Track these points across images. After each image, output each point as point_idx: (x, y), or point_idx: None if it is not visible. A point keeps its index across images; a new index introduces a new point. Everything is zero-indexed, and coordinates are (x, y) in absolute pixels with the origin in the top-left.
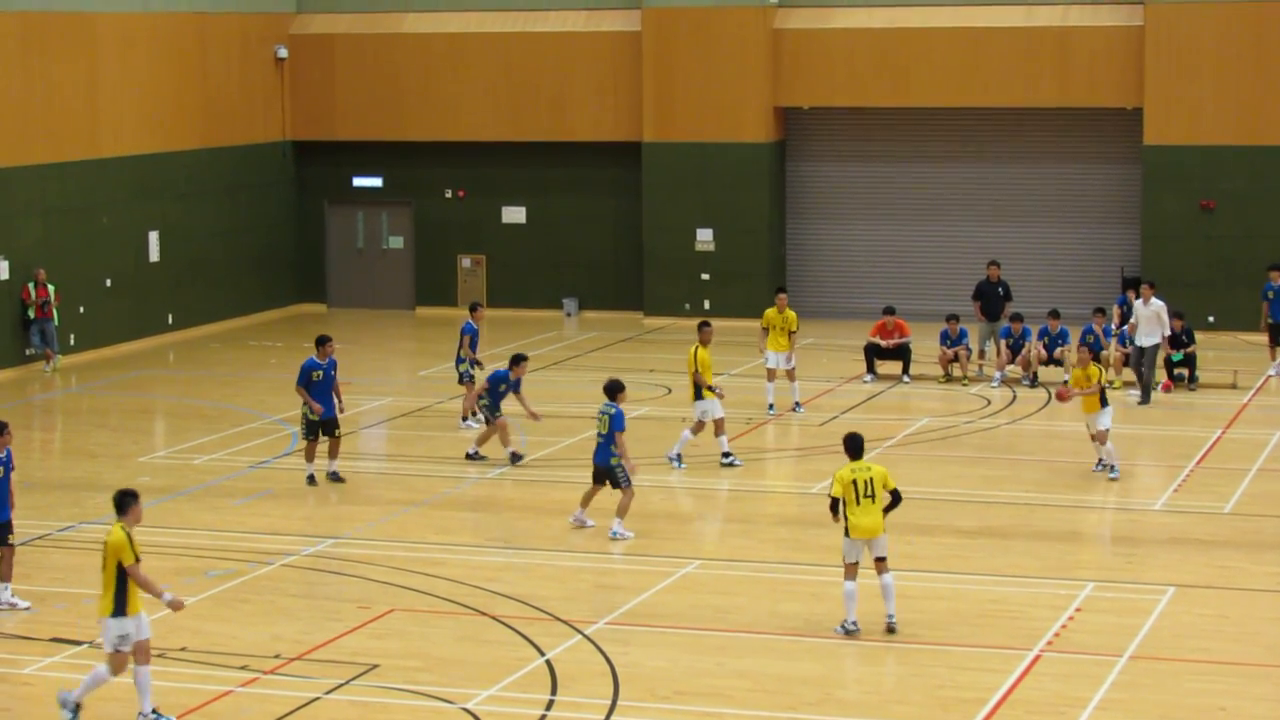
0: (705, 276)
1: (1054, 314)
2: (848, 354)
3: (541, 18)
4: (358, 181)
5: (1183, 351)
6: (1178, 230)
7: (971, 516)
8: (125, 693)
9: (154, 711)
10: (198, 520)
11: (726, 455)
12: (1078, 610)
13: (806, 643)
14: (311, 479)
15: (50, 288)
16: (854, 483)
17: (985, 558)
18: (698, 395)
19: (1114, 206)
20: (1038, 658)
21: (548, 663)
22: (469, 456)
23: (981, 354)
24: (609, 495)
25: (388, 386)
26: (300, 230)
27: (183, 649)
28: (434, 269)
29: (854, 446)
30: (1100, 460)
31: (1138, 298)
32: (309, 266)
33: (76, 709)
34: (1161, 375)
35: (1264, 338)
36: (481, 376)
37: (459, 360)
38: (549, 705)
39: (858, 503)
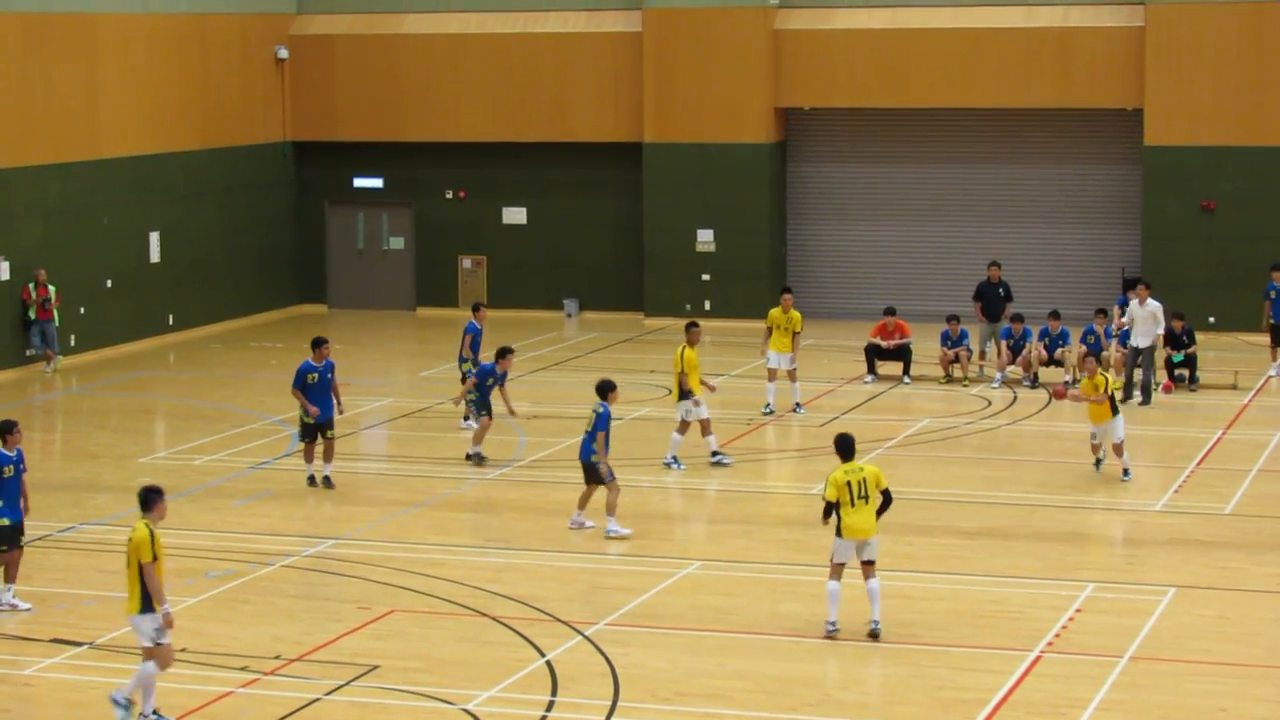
0: (706, 277)
1: (1055, 315)
2: (848, 355)
3: (542, 18)
4: (358, 182)
5: (1183, 352)
6: (1178, 231)
7: (972, 517)
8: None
9: (154, 713)
10: (198, 521)
11: (715, 455)
12: (1078, 611)
13: (807, 644)
14: (311, 480)
15: (51, 288)
16: (848, 484)
17: (986, 558)
18: (683, 395)
19: (1114, 207)
20: (1038, 658)
21: (548, 664)
22: (469, 457)
23: (982, 355)
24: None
25: (388, 387)
26: (301, 231)
27: (183, 650)
28: (434, 270)
29: (845, 447)
30: (1099, 460)
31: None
32: (309, 267)
33: (129, 704)
34: (1162, 376)
35: (1265, 338)
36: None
37: (461, 360)
38: (549, 706)
39: (852, 504)
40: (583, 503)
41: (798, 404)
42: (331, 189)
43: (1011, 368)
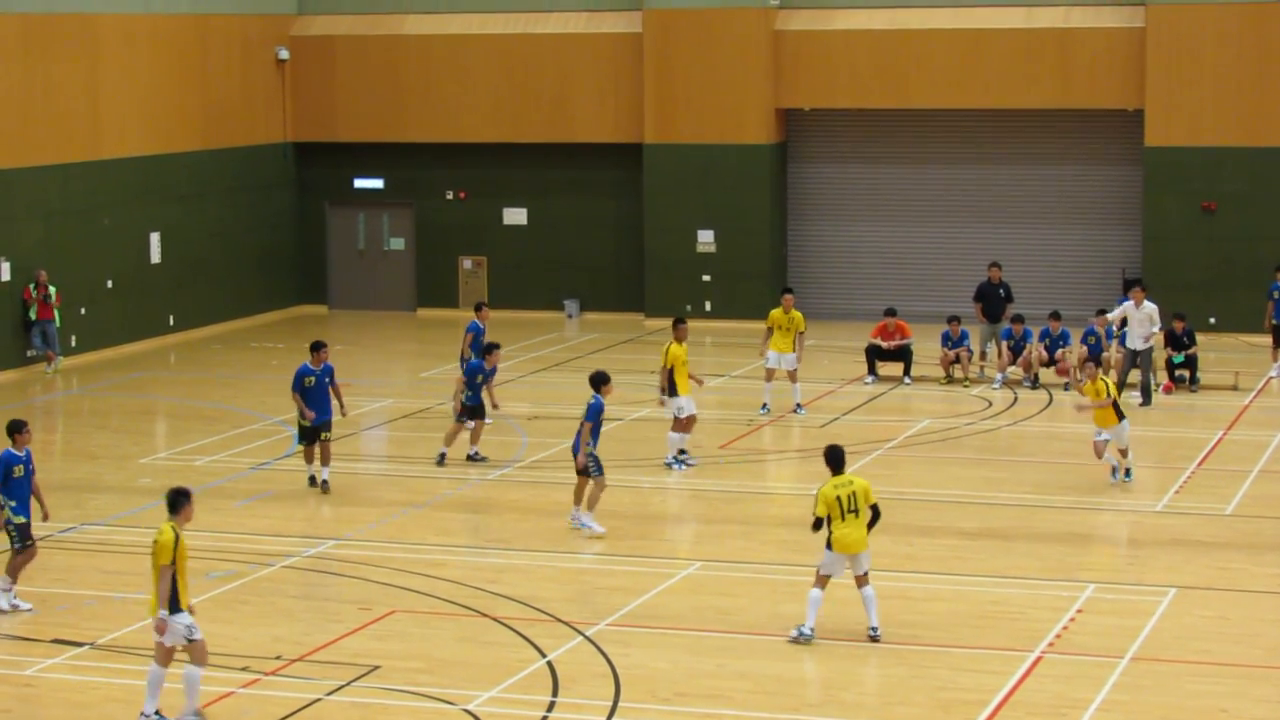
0: (706, 278)
1: (1055, 315)
2: (849, 355)
3: (542, 19)
4: (359, 183)
5: (1184, 353)
6: (1179, 232)
7: (973, 518)
8: (128, 694)
9: (157, 713)
10: (199, 521)
11: (682, 453)
12: (1079, 612)
13: (809, 644)
14: (312, 480)
15: (51, 289)
16: (838, 499)
17: (986, 559)
18: (672, 392)
19: (1115, 208)
20: (1039, 659)
21: (549, 664)
22: (470, 458)
23: (983, 355)
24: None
25: (389, 388)
26: (301, 232)
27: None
28: (435, 270)
29: (835, 460)
30: (1115, 469)
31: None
32: (310, 268)
33: (197, 715)
34: (1163, 377)
35: (1266, 339)
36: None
37: (463, 360)
38: (550, 707)
39: (842, 518)
40: (578, 498)
41: (798, 405)
42: (332, 190)
43: (1012, 368)
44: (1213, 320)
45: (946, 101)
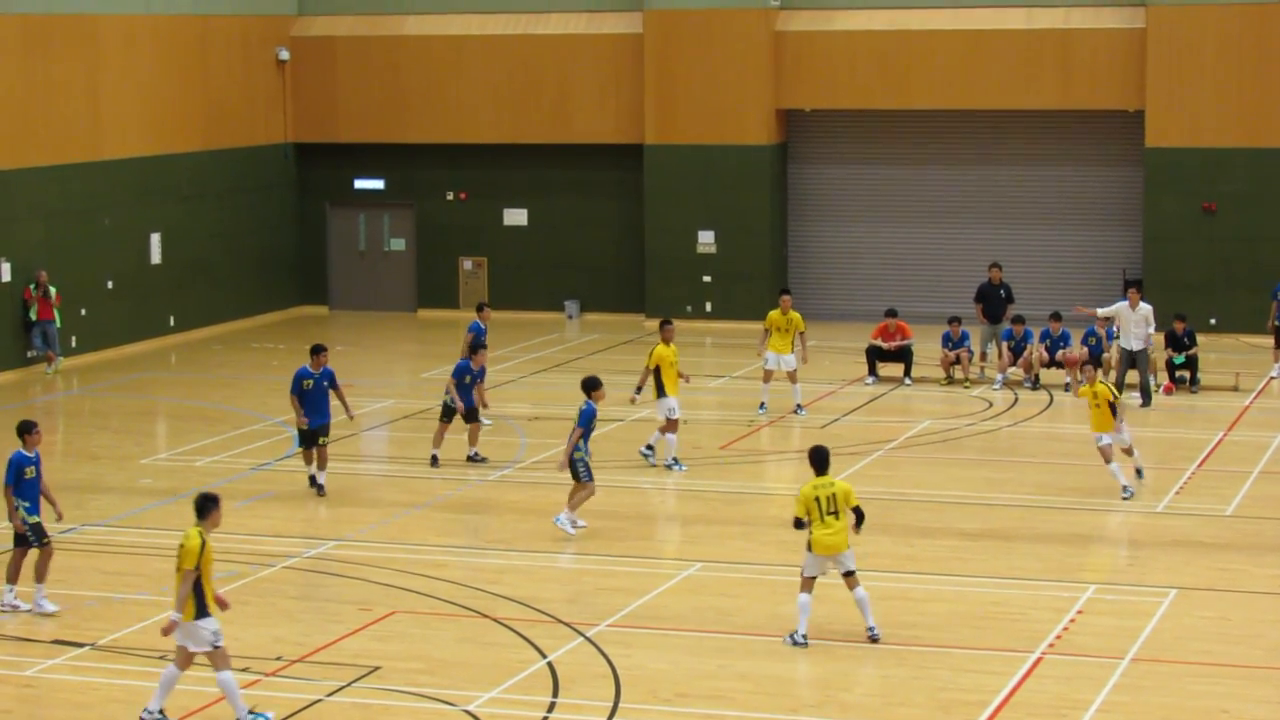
0: (707, 279)
1: (1056, 316)
2: (849, 356)
3: (543, 20)
4: (359, 183)
5: (1184, 354)
6: (1179, 232)
7: (973, 519)
8: (128, 694)
9: (160, 713)
10: None
11: (649, 449)
12: (1079, 612)
13: (808, 645)
14: (313, 480)
15: (52, 289)
16: (816, 500)
17: (987, 560)
18: (660, 393)
19: (1116, 209)
20: (1040, 660)
21: (549, 665)
22: (470, 459)
23: (983, 356)
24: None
25: (389, 389)
26: (302, 232)
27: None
28: (436, 271)
29: (819, 461)
30: (1126, 488)
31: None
32: (311, 269)
33: (252, 714)
34: (1163, 378)
35: (1267, 340)
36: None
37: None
38: (551, 707)
39: (821, 520)
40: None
41: (799, 406)
42: (333, 190)
43: (1013, 369)
44: (1213, 321)
45: (947, 102)
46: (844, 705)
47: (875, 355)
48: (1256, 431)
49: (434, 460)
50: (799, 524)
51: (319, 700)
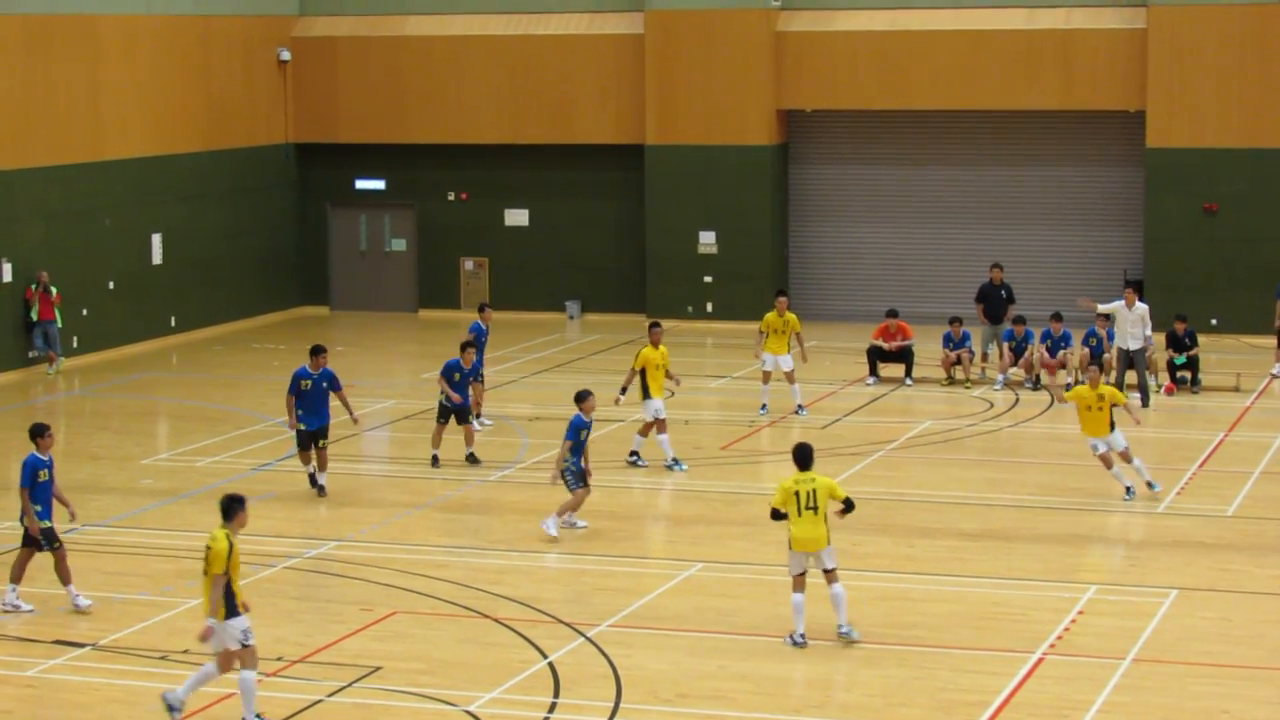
0: (708, 279)
1: (1057, 317)
2: (850, 356)
3: (544, 20)
4: (360, 184)
5: (1185, 354)
6: (1180, 233)
7: (974, 519)
8: (129, 695)
9: (258, 716)
10: (200, 523)
11: (633, 454)
12: (1080, 613)
13: (809, 645)
14: (313, 479)
15: (53, 289)
16: (796, 494)
17: (988, 560)
18: (645, 395)
19: (1116, 209)
20: (1040, 661)
21: (550, 665)
22: (467, 459)
23: (984, 357)
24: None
25: (390, 389)
26: (303, 233)
27: (185, 651)
28: (436, 272)
29: (802, 457)
30: (1129, 488)
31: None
32: (312, 269)
33: (258, 718)
34: (1164, 378)
35: (1267, 340)
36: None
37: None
38: (551, 708)
39: (799, 514)
40: (573, 504)
41: (800, 406)
42: (333, 191)
43: (1013, 370)
44: (1214, 321)
45: (948, 103)
46: (844, 706)
47: (876, 356)
48: (1257, 432)
49: (434, 460)
50: (775, 515)
51: (320, 700)
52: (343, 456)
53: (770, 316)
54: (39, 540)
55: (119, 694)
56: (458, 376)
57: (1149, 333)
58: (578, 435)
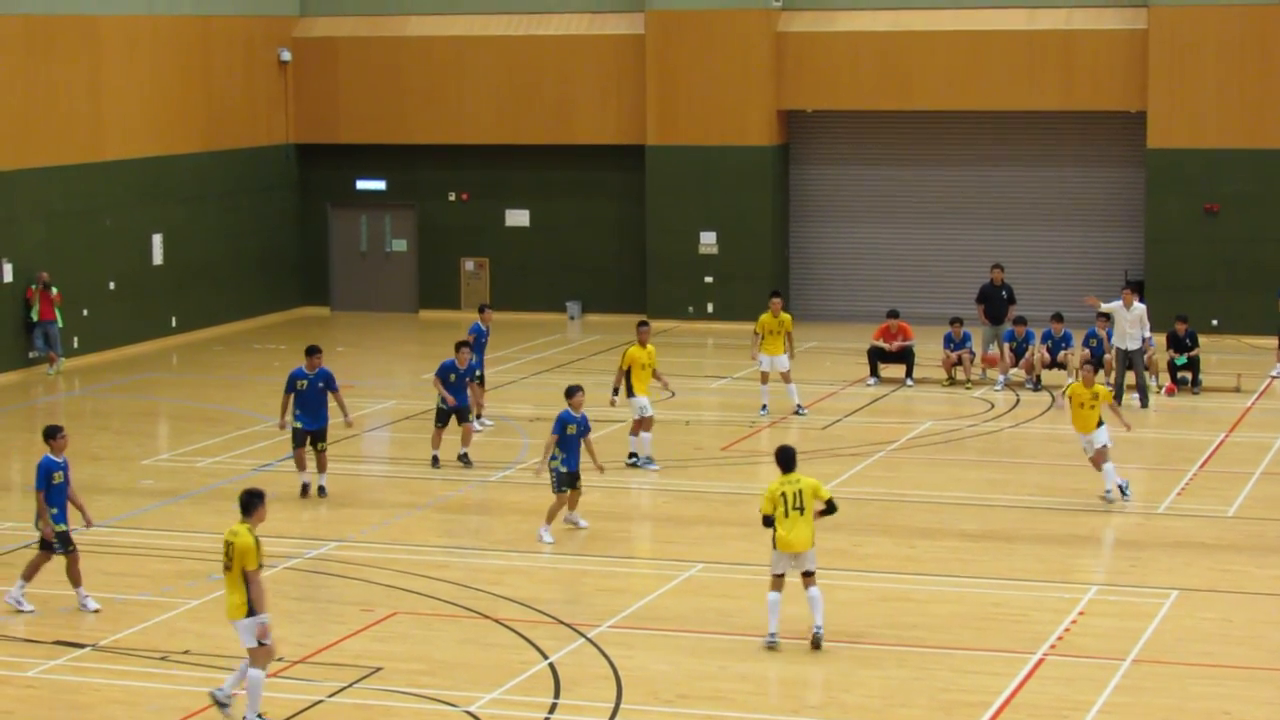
0: (709, 279)
1: (1057, 317)
2: (851, 357)
3: (544, 21)
4: (361, 184)
5: (1186, 355)
6: (1181, 233)
7: (975, 520)
8: (129, 695)
9: (259, 716)
10: (201, 523)
11: (633, 456)
12: (1081, 614)
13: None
14: (305, 489)
15: (53, 289)
16: (783, 495)
17: (988, 561)
18: (630, 393)
19: (1117, 210)
20: (1041, 661)
21: (551, 666)
22: (459, 459)
23: (984, 357)
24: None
25: (391, 389)
26: (303, 233)
27: (186, 652)
28: (437, 272)
29: (785, 460)
30: (1108, 490)
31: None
32: (312, 269)
33: (260, 718)
34: (1165, 379)
35: (1269, 341)
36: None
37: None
38: (552, 708)
39: (785, 515)
40: (571, 504)
41: (799, 406)
42: (334, 191)
43: (1014, 370)
44: (1215, 322)
45: (949, 103)
46: (845, 706)
47: (877, 356)
48: (1258, 433)
49: (435, 461)
50: (767, 521)
51: (320, 701)
52: (343, 457)
53: (765, 317)
54: (54, 544)
55: (120, 694)
56: (453, 377)
57: (1148, 333)
58: (563, 430)
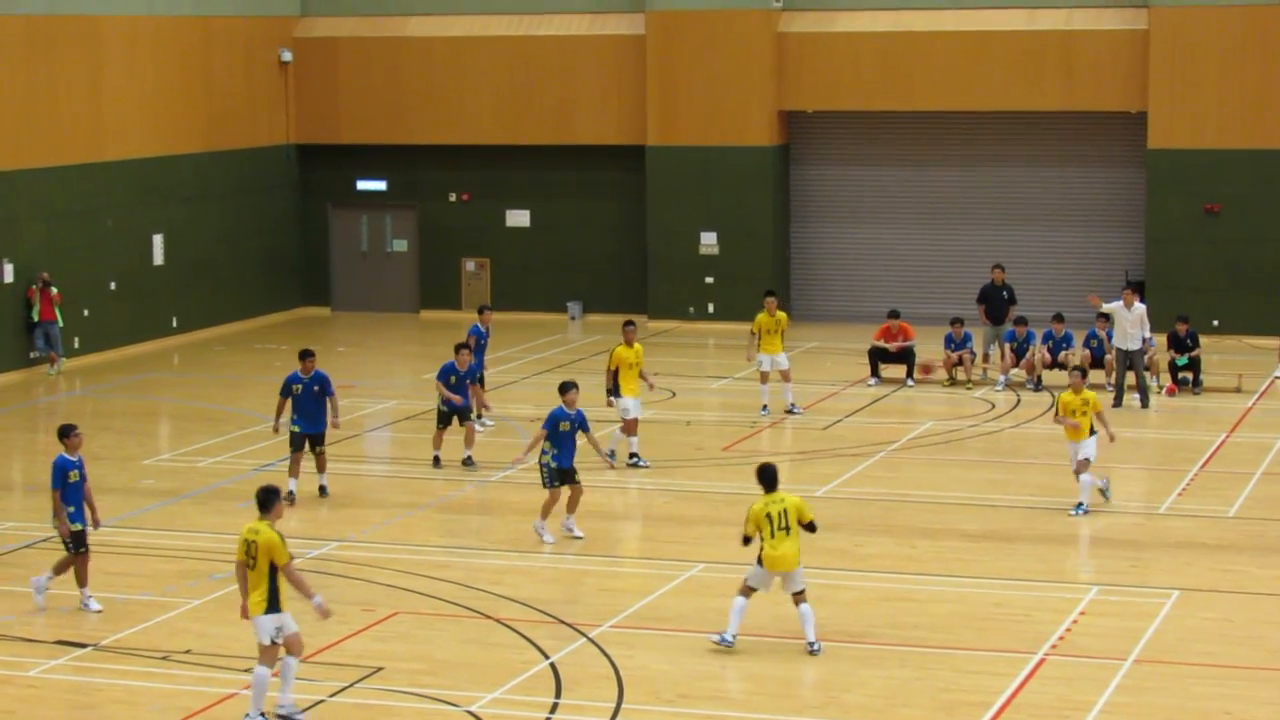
0: (709, 280)
1: (1058, 318)
2: (852, 357)
3: (545, 21)
4: (362, 185)
5: (1187, 355)
6: (1182, 234)
7: (975, 520)
8: (130, 695)
9: (261, 715)
10: (202, 523)
11: (633, 456)
12: (1082, 614)
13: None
14: (290, 495)
15: (53, 289)
16: (767, 515)
17: (989, 561)
18: (616, 394)
19: (1118, 210)
20: (1042, 661)
21: (552, 665)
22: (464, 463)
23: (986, 357)
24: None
25: (391, 390)
26: (304, 233)
27: (187, 651)
28: (438, 272)
29: (767, 479)
30: (1081, 504)
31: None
32: (313, 270)
33: (263, 717)
34: (1166, 379)
35: (1270, 341)
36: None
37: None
38: (553, 708)
39: (772, 535)
40: (570, 506)
41: (793, 405)
42: (335, 191)
43: (1015, 371)
44: (1216, 323)
45: (949, 103)
46: (846, 706)
47: (877, 356)
48: (1259, 433)
49: (436, 461)
50: (747, 541)
51: (322, 701)
52: (344, 457)
53: (761, 317)
54: (68, 543)
55: (121, 694)
56: (454, 379)
57: (1148, 334)
58: (555, 426)
